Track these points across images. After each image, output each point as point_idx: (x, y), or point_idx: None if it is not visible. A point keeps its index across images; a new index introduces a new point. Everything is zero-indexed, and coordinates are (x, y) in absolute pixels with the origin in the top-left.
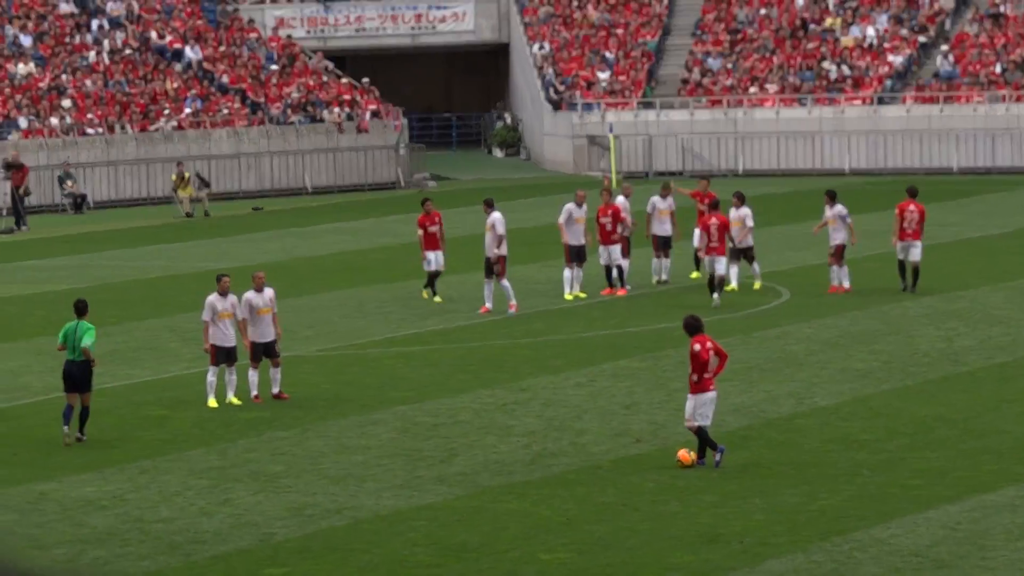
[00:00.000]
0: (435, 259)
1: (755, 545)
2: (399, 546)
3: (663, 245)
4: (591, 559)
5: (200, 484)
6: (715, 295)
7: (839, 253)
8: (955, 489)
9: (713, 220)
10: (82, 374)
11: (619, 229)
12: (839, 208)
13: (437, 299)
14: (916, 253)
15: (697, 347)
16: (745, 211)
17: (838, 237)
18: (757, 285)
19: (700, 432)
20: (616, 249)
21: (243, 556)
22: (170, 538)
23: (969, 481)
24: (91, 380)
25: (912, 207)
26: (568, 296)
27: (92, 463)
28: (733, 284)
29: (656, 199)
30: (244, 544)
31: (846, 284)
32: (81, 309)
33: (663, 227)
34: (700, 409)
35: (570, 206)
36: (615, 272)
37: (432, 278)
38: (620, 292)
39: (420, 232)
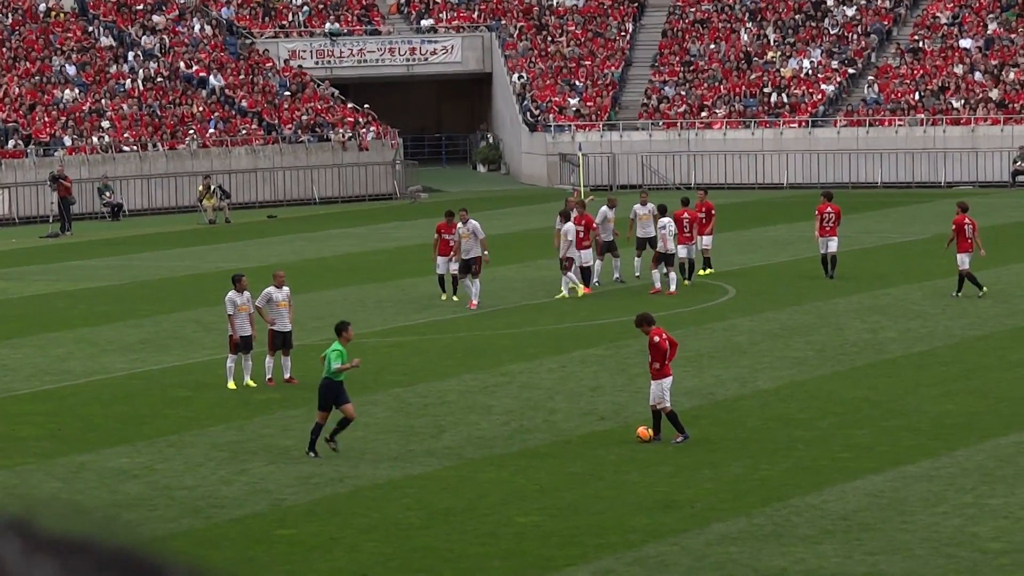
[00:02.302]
0: (444, 263)
1: (705, 510)
2: (394, 510)
3: (644, 245)
4: (561, 522)
5: (220, 456)
6: (687, 278)
7: (659, 259)
8: (879, 461)
9: (685, 215)
10: (329, 390)
11: (591, 236)
12: (665, 220)
13: (444, 297)
14: (834, 246)
15: (657, 339)
16: (568, 226)
17: (668, 247)
18: (577, 293)
19: (671, 415)
20: (587, 253)
21: (258, 519)
22: (194, 503)
23: (891, 454)
24: (344, 394)
25: (829, 208)
26: (577, 292)
27: (126, 437)
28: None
29: (637, 206)
30: (259, 508)
31: (658, 285)
32: (335, 330)
33: (644, 230)
34: (665, 392)
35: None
36: (581, 272)
37: (442, 280)
38: (585, 290)
39: (436, 236)
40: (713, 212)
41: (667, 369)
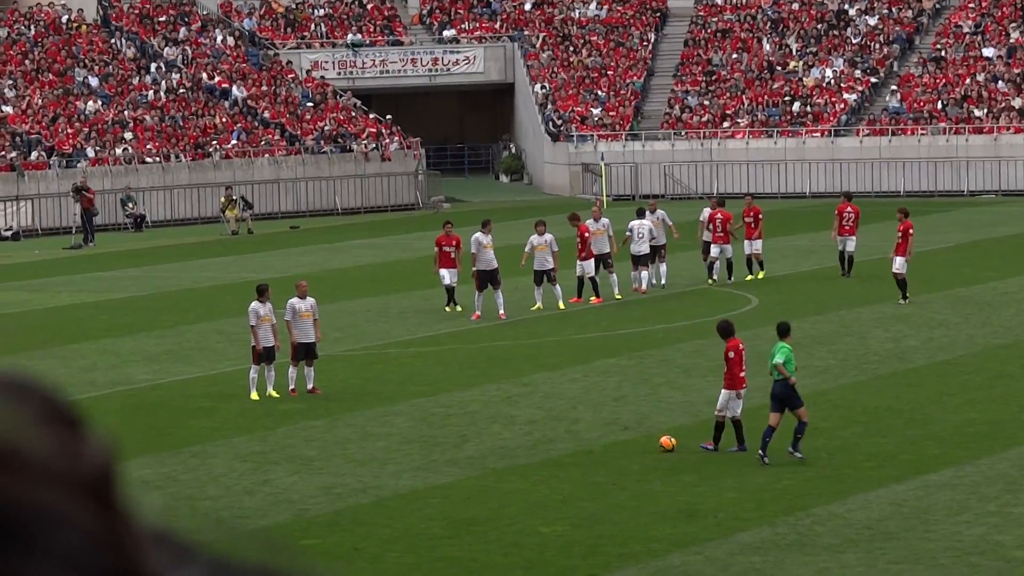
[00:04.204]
0: (449, 276)
1: (728, 519)
2: (416, 521)
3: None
4: (584, 532)
5: (243, 467)
6: (713, 277)
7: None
8: (902, 470)
9: (719, 215)
10: (783, 392)
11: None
12: (635, 224)
13: (457, 308)
14: (852, 246)
15: (742, 346)
16: (549, 237)
17: (641, 248)
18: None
19: (737, 424)
20: (590, 264)
21: (281, 529)
22: (217, 514)
23: (914, 463)
24: (796, 396)
25: (849, 208)
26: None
27: (149, 448)
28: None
29: (707, 211)
30: (282, 519)
31: (644, 287)
32: (779, 330)
33: (710, 234)
34: (732, 402)
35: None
36: (587, 284)
37: (450, 292)
38: (595, 301)
39: (436, 250)
40: (760, 216)
41: (744, 380)
